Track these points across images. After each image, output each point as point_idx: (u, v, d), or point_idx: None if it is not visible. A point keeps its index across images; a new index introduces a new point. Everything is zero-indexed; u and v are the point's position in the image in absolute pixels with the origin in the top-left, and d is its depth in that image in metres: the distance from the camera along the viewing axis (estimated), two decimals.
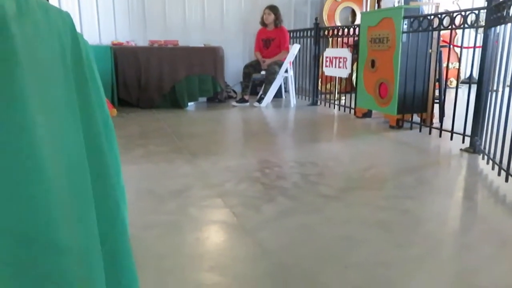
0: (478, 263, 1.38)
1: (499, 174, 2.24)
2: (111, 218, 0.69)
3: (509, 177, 2.11)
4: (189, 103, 4.97)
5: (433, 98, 3.65)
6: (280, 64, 5.06)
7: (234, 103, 5.06)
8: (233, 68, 6.13)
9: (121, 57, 4.79)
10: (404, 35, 3.48)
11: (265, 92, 5.11)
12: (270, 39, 5.29)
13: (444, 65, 3.72)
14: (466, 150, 2.83)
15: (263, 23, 5.36)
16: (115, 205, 0.70)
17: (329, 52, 4.84)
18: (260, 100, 5.05)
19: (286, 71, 5.06)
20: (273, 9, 5.27)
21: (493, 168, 2.34)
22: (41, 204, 0.38)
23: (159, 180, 2.26)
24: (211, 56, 5.10)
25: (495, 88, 2.53)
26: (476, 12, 2.84)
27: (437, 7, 3.81)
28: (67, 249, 0.41)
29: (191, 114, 4.55)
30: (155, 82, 4.82)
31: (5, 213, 0.35)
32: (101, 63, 4.52)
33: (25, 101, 0.37)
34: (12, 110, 0.35)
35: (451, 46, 4.79)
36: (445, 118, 3.68)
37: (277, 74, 5.02)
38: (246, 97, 5.12)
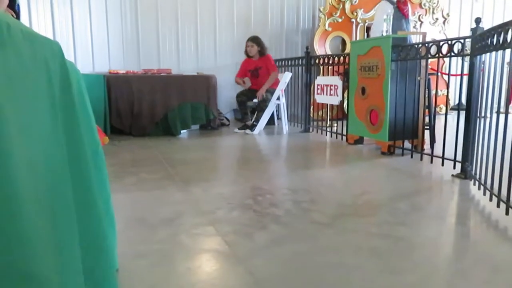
0: None
1: (490, 199, 2.24)
2: (97, 250, 0.68)
3: (501, 202, 2.12)
4: (182, 131, 4.98)
5: (423, 125, 3.70)
6: (272, 92, 5.11)
7: (236, 130, 5.17)
8: (226, 96, 6.19)
9: (114, 85, 4.82)
10: (393, 63, 3.55)
11: (257, 120, 5.14)
12: (258, 68, 5.33)
13: (433, 92, 3.79)
14: (457, 176, 2.85)
15: (247, 55, 5.41)
16: (102, 236, 0.68)
17: (320, 80, 4.91)
18: (252, 128, 5.07)
19: (278, 98, 5.12)
20: (254, 40, 5.32)
21: (484, 194, 2.35)
22: (17, 235, 0.37)
23: (150, 208, 2.23)
24: (204, 84, 5.16)
25: (483, 114, 2.57)
26: (462, 41, 2.92)
27: (424, 36, 3.92)
28: (46, 280, 0.39)
29: (183, 142, 4.55)
30: (147, 110, 4.84)
31: None
32: (94, 91, 4.54)
33: (2, 128, 0.37)
34: None
35: (439, 73, 4.89)
36: (435, 144, 3.73)
37: (269, 101, 5.07)
38: (249, 123, 5.21)
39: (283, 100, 5.23)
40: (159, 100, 4.86)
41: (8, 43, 0.41)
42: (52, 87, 0.52)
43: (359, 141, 4.20)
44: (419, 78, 3.61)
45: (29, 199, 0.39)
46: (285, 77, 5.16)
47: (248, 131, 5.03)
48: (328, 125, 5.04)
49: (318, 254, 1.64)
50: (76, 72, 1.03)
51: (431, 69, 4.66)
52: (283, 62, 5.71)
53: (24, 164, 0.39)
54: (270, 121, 5.44)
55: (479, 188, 2.48)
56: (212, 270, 1.54)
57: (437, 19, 6.94)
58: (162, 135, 4.85)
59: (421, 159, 3.39)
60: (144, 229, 1.93)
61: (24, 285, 0.37)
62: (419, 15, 6.81)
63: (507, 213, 2.03)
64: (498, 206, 2.14)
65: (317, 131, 5.10)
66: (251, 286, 1.40)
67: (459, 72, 5.76)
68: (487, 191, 2.31)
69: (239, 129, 5.17)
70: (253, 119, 5.26)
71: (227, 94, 6.22)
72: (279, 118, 5.65)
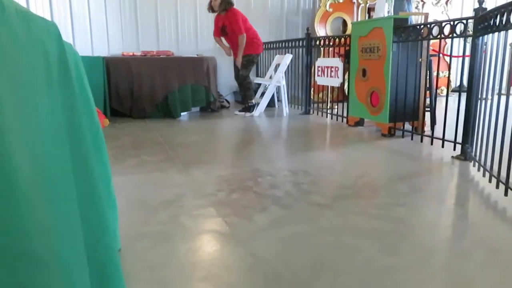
0: (471, 271, 1.39)
1: (490, 181, 2.25)
2: (99, 231, 0.68)
3: (500, 184, 2.13)
4: (182, 113, 4.97)
5: (424, 106, 3.69)
6: (246, 65, 4.97)
7: (236, 112, 5.11)
8: (226, 78, 6.15)
9: (113, 67, 4.79)
10: (395, 45, 3.52)
11: (243, 98, 5.19)
12: (224, 26, 4.94)
13: (435, 73, 3.77)
14: (457, 157, 2.85)
15: (212, 10, 4.96)
16: (103, 217, 0.69)
17: (321, 62, 4.87)
18: (251, 109, 5.06)
19: (278, 81, 5.09)
20: None
21: (484, 175, 2.36)
22: (16, 214, 0.37)
23: (151, 190, 2.25)
24: (204, 66, 5.12)
25: (484, 96, 2.56)
26: (464, 22, 2.89)
27: (426, 17, 3.87)
28: (45, 261, 0.40)
29: (183, 124, 4.54)
30: (147, 92, 4.82)
31: None
32: (94, 74, 4.51)
33: None
34: None
35: (441, 55, 4.85)
36: (436, 126, 3.72)
37: (248, 78, 5.02)
38: (251, 102, 5.10)
39: (283, 82, 5.20)
40: (159, 82, 4.84)
41: (1, 22, 0.40)
42: (50, 69, 0.51)
43: (360, 123, 4.20)
44: (420, 59, 3.58)
45: (27, 180, 0.39)
46: (286, 59, 5.12)
47: (247, 114, 5.00)
48: (328, 107, 5.02)
49: (318, 236, 1.66)
50: (74, 53, 1.02)
51: (433, 50, 4.62)
52: (284, 43, 5.66)
53: (21, 146, 0.39)
54: (271, 103, 5.43)
55: (478, 170, 2.49)
56: (213, 251, 1.56)
57: None
58: (162, 117, 4.85)
59: (421, 141, 3.39)
60: (145, 210, 1.95)
61: (24, 263, 0.37)
62: None
63: (506, 194, 2.05)
64: (497, 187, 2.15)
65: (317, 113, 5.09)
66: (251, 266, 1.42)
67: (461, 53, 5.71)
68: (486, 172, 2.31)
69: (239, 111, 5.12)
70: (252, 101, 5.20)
71: (227, 76, 6.18)
72: (279, 100, 5.63)
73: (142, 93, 4.81)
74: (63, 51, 0.60)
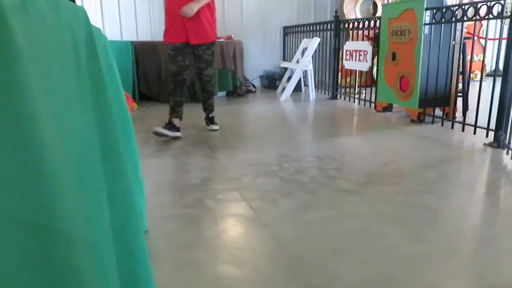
0: (499, 259, 1.35)
1: None
2: (126, 212, 0.70)
3: None
4: None
5: (456, 92, 3.57)
6: (211, 59, 3.23)
7: (157, 129, 3.01)
8: (253, 63, 6.13)
9: (141, 52, 4.85)
10: (427, 27, 3.40)
11: (209, 107, 3.48)
12: None
13: (468, 57, 3.63)
14: (490, 144, 2.76)
15: None
16: (130, 199, 0.71)
17: (349, 45, 4.78)
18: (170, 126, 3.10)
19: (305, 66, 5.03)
20: None
21: None
22: (46, 193, 0.39)
23: (177, 173, 2.29)
24: (230, 51, 5.11)
25: None
26: (502, 2, 2.75)
27: None
28: (75, 240, 0.42)
29: None
30: None
31: (11, 202, 0.36)
32: (122, 58, 4.59)
33: (26, 92, 0.38)
34: (12, 101, 0.36)
35: (476, 37, 4.66)
36: (468, 112, 3.60)
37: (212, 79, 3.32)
38: (177, 122, 3.13)
39: (310, 67, 5.14)
40: None
41: (30, 7, 0.41)
42: (78, 53, 0.53)
43: (388, 108, 4.11)
44: (454, 42, 3.45)
45: (57, 161, 0.40)
46: (313, 43, 5.05)
47: (168, 132, 3.03)
48: (356, 92, 4.94)
49: (342, 221, 1.66)
50: (103, 38, 1.04)
51: (467, 33, 4.44)
52: (311, 27, 5.56)
53: (51, 128, 0.41)
54: (297, 88, 5.38)
55: None
56: (237, 234, 1.58)
57: None
58: (189, 101, 4.89)
59: (452, 127, 3.29)
60: (171, 193, 1.99)
61: (51, 242, 0.39)
62: None
63: None
64: None
65: (344, 98, 5.01)
66: (275, 250, 1.44)
67: (497, 36, 5.46)
68: None
69: (162, 128, 3.03)
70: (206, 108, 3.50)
71: (253, 60, 6.15)
72: (306, 84, 5.57)
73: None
74: (91, 36, 0.61)
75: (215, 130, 3.38)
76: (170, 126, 3.11)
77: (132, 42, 4.81)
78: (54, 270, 0.39)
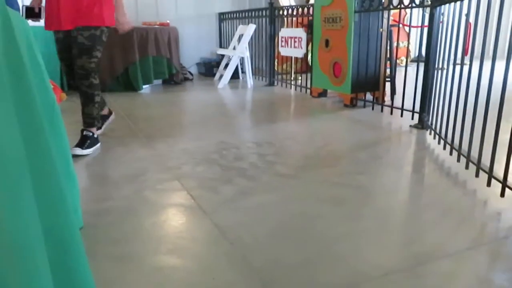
0: (424, 231, 1.47)
1: (444, 148, 2.36)
2: (57, 209, 0.67)
3: (453, 150, 2.23)
4: (144, 86, 4.85)
5: (385, 77, 3.77)
6: (95, 46, 2.43)
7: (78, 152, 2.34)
8: (189, 49, 6.02)
9: None
10: (356, 15, 3.54)
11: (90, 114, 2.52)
12: None
13: (395, 44, 3.84)
14: (415, 126, 2.96)
15: None
16: (60, 196, 0.67)
17: (284, 32, 4.85)
18: (87, 139, 2.42)
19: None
20: None
21: (439, 143, 2.47)
22: None
23: (114, 165, 2.21)
24: (165, 37, 4.97)
25: (441, 66, 2.64)
26: None
27: None
28: None
29: (145, 97, 4.44)
30: (107, 64, 4.63)
31: None
32: (48, 46, 4.28)
33: None
34: None
35: (401, 25, 4.94)
36: (396, 96, 3.83)
37: (96, 74, 2.58)
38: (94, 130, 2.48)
39: (247, 53, 5.15)
40: (119, 53, 4.66)
41: None
42: None
43: (323, 94, 4.25)
44: (381, 29, 3.63)
45: None
46: (249, 30, 5.05)
47: (85, 150, 2.37)
48: (292, 79, 5.04)
49: (282, 205, 1.70)
50: (23, 22, 0.96)
51: (393, 20, 4.69)
52: (247, 13, 5.56)
53: None
54: (235, 75, 5.38)
55: (434, 138, 2.60)
56: (179, 224, 1.56)
57: None
58: (123, 90, 4.71)
59: (382, 110, 3.49)
60: (108, 186, 1.92)
61: None
62: None
63: (458, 160, 2.16)
64: (451, 154, 2.26)
65: (281, 85, 5.10)
66: (217, 237, 1.44)
67: (420, 24, 5.83)
68: (441, 140, 2.42)
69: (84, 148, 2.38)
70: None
71: (189, 47, 6.04)
72: (243, 71, 5.58)
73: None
74: (7, 19, 0.56)
75: (79, 155, 2.31)
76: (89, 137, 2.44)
77: None
78: None
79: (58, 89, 3.94)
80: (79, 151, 2.35)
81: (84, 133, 2.45)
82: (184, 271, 1.25)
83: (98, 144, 2.51)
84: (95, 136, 2.49)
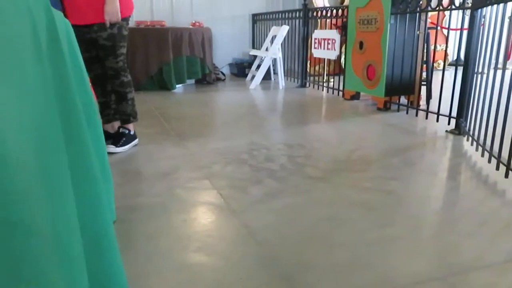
0: (459, 241, 1.42)
1: (482, 155, 2.27)
2: (92, 203, 0.69)
3: (492, 158, 2.15)
4: (177, 85, 4.93)
5: (420, 80, 3.67)
6: (119, 43, 2.51)
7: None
8: (222, 50, 6.08)
9: None
10: (392, 17, 3.46)
11: (121, 111, 2.54)
12: None
13: (432, 47, 3.73)
14: (451, 131, 2.87)
15: None
16: (96, 189, 0.69)
17: (317, 34, 4.81)
18: (122, 138, 2.47)
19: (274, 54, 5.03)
20: None
21: (477, 150, 2.38)
22: (4, 185, 0.37)
23: (146, 162, 2.25)
24: (199, 38, 5.04)
25: (481, 70, 2.55)
26: None
27: None
28: (36, 230, 0.40)
29: (178, 96, 4.51)
30: (141, 63, 4.75)
31: None
32: None
33: None
34: None
35: (439, 28, 4.79)
36: (431, 100, 3.72)
37: (127, 70, 2.54)
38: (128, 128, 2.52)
39: (279, 55, 5.14)
40: (153, 53, 4.77)
41: None
42: (38, 38, 0.50)
43: (356, 96, 4.19)
44: (418, 32, 3.54)
45: (16, 150, 0.39)
46: (282, 31, 5.05)
47: (118, 148, 2.42)
48: (324, 80, 4.99)
49: (311, 208, 1.69)
50: (65, 22, 1.00)
51: (431, 23, 4.56)
52: (280, 14, 5.56)
53: (10, 116, 0.39)
54: (266, 76, 5.38)
55: (471, 144, 2.51)
56: (208, 222, 1.58)
57: None
58: (157, 89, 4.81)
59: (417, 115, 3.40)
60: (140, 182, 1.96)
61: (10, 232, 0.38)
62: None
63: (497, 168, 2.07)
64: (489, 161, 2.17)
65: (313, 87, 5.06)
66: (245, 237, 1.45)
67: (459, 26, 5.63)
68: (479, 147, 2.33)
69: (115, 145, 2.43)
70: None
71: (222, 48, 6.10)
72: (275, 73, 5.58)
73: (136, 64, 4.75)
74: (52, 19, 0.58)
75: (114, 153, 2.37)
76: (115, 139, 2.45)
77: None
78: (12, 260, 0.38)
79: None
80: (112, 148, 2.39)
81: (121, 130, 2.50)
82: (212, 269, 1.26)
83: (136, 141, 2.55)
84: (132, 133, 2.52)
